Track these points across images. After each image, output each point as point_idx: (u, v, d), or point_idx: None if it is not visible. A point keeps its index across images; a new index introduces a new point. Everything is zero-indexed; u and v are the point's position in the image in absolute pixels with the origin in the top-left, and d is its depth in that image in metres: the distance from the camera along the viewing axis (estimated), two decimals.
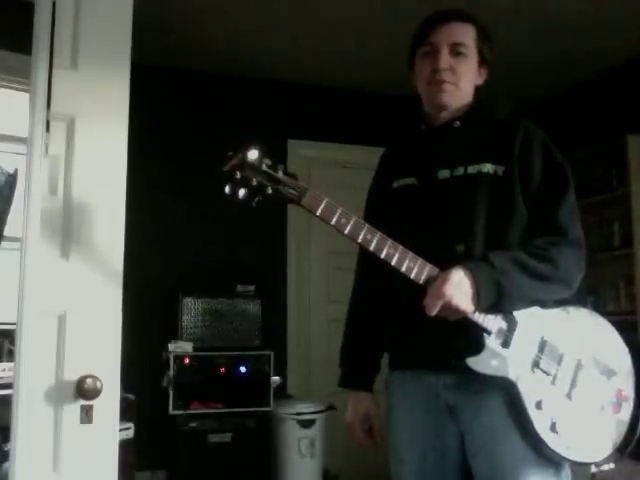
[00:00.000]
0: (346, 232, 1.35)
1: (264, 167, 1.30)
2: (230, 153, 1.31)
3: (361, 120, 4.34)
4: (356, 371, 1.70)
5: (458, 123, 1.59)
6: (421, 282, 1.38)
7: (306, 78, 4.23)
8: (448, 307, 1.35)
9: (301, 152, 4.29)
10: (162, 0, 3.26)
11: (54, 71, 1.43)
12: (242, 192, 1.29)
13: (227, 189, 1.29)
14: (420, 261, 1.39)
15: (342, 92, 4.36)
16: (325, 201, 1.34)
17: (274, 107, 4.23)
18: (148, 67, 3.50)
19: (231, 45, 3.79)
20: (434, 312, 1.35)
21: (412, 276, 1.38)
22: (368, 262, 1.60)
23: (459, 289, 1.35)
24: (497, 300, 1.39)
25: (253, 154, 1.30)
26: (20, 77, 2.77)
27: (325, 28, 3.62)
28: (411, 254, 1.38)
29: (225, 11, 3.42)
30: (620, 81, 4.01)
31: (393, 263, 1.37)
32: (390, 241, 1.37)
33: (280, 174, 1.31)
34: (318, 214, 1.34)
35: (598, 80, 4.14)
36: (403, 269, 1.37)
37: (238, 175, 1.28)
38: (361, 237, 1.36)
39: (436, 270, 1.39)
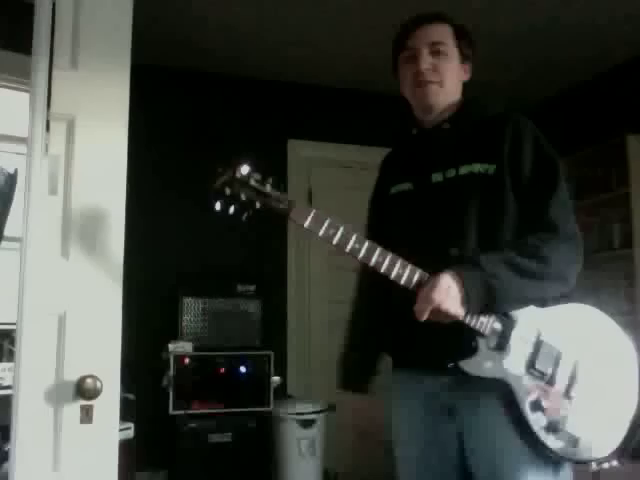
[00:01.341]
0: (334, 243, 1.36)
1: (252, 182, 1.33)
2: (220, 169, 1.34)
3: (361, 120, 4.33)
4: (354, 373, 1.71)
5: (447, 125, 1.60)
6: (411, 288, 1.39)
7: (306, 78, 4.23)
8: (438, 312, 1.36)
9: (301, 152, 4.30)
10: (162, 0, 3.26)
11: (54, 71, 1.43)
12: (232, 208, 1.33)
13: (218, 206, 1.32)
14: (410, 267, 1.39)
15: (342, 92, 4.36)
16: (313, 213, 1.36)
17: (274, 107, 4.23)
18: (148, 67, 3.50)
19: (231, 45, 3.79)
20: (424, 317, 1.36)
21: (402, 282, 1.39)
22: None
23: (447, 294, 1.35)
24: (488, 302, 1.39)
25: (243, 169, 1.33)
26: (20, 77, 2.77)
27: (325, 28, 3.61)
28: (401, 260, 1.39)
29: (225, 11, 3.42)
30: (620, 81, 4.01)
31: (382, 270, 1.38)
32: (379, 249, 1.38)
33: (268, 188, 1.34)
34: (306, 226, 1.35)
35: (598, 80, 4.14)
36: (393, 276, 1.39)
37: (228, 192, 1.32)
38: (349, 247, 1.37)
39: (426, 275, 1.40)
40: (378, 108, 4.31)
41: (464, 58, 1.64)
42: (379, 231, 1.62)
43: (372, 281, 1.65)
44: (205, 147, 3.92)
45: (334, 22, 3.54)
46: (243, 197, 1.32)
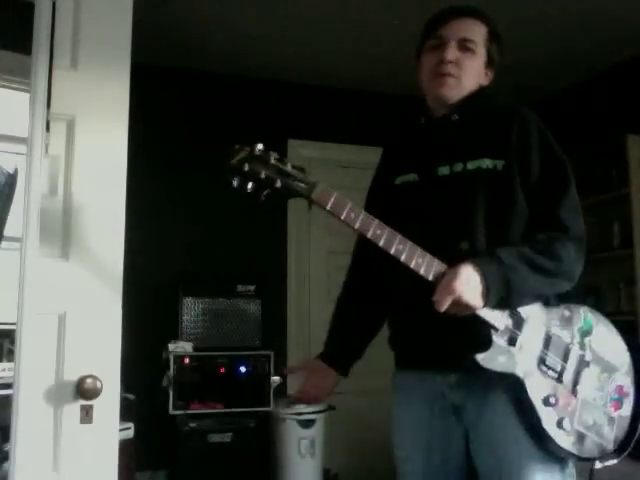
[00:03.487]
0: (356, 227, 1.34)
1: (272, 160, 1.29)
2: (237, 146, 1.29)
3: (361, 120, 4.33)
4: (334, 351, 1.74)
5: (456, 116, 1.59)
6: (430, 278, 1.38)
7: (306, 78, 4.23)
8: (458, 303, 1.34)
9: (301, 152, 4.29)
10: (162, 0, 3.26)
11: (54, 71, 1.43)
12: (250, 185, 1.28)
13: (235, 182, 1.27)
14: (428, 257, 1.38)
15: (342, 92, 4.36)
16: (335, 195, 1.33)
17: (274, 107, 4.23)
18: (148, 67, 3.50)
19: (231, 45, 3.79)
20: (444, 308, 1.33)
21: (421, 272, 1.37)
22: (364, 248, 1.60)
23: (468, 285, 1.35)
24: (505, 295, 1.39)
25: (261, 146, 1.29)
26: (20, 77, 2.78)
27: (325, 28, 3.61)
28: (420, 250, 1.38)
29: (225, 11, 3.42)
30: (620, 80, 4.01)
31: (402, 259, 1.36)
32: (399, 236, 1.36)
33: (289, 167, 1.30)
34: (328, 208, 1.32)
35: (598, 79, 4.14)
36: (412, 265, 1.37)
37: (246, 168, 1.26)
38: (371, 232, 1.35)
39: (444, 266, 1.39)
40: (378, 108, 4.31)
41: (489, 63, 1.62)
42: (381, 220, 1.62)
43: (367, 262, 1.66)
44: (205, 147, 3.91)
45: (334, 22, 3.54)
46: (263, 175, 1.27)
